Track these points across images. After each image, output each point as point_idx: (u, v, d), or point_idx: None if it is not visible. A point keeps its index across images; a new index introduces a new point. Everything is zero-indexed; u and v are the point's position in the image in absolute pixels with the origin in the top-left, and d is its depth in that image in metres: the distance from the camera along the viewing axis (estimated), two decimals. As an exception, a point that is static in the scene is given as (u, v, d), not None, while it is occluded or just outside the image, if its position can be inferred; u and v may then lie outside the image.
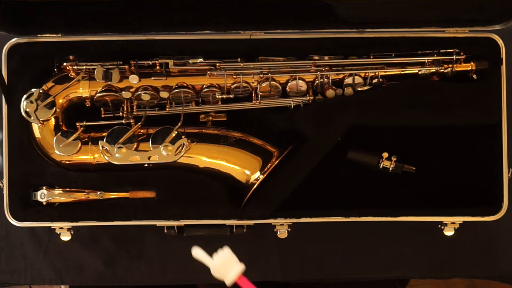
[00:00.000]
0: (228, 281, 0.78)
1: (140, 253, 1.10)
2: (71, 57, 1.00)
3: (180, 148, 0.99)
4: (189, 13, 1.00)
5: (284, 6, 0.99)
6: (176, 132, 0.99)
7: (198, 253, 0.79)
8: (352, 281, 1.14)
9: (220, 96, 1.02)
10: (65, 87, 1.00)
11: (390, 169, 1.06)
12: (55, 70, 1.01)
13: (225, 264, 0.78)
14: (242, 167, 1.01)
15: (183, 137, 0.99)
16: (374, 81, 1.03)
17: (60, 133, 1.00)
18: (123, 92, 1.00)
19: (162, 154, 0.98)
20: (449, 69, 1.03)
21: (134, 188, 1.03)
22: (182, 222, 1.02)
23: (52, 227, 1.04)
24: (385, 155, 1.06)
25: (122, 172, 1.02)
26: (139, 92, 1.00)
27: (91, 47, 1.01)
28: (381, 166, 1.07)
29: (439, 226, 1.07)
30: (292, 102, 1.03)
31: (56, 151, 1.00)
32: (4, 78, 0.99)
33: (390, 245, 1.12)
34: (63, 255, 1.10)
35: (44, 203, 1.01)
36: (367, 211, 1.03)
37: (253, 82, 1.02)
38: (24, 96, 0.98)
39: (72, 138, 0.99)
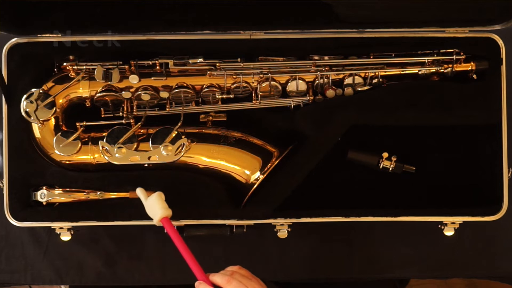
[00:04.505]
0: (155, 221, 0.90)
1: (140, 253, 1.10)
2: (71, 57, 1.00)
3: (180, 148, 0.99)
4: (189, 13, 1.00)
5: (284, 6, 0.99)
6: (176, 132, 0.99)
7: (139, 192, 0.92)
8: (352, 281, 1.14)
9: (220, 96, 1.02)
10: (65, 87, 1.00)
11: (390, 169, 1.06)
12: (55, 70, 1.01)
13: (155, 206, 0.90)
14: (242, 167, 1.01)
15: (183, 137, 0.99)
16: (374, 81, 1.03)
17: (60, 133, 1.00)
18: (123, 92, 1.00)
19: (162, 154, 0.98)
20: (449, 69, 1.03)
21: (134, 188, 1.03)
22: (182, 222, 1.02)
23: (52, 227, 1.04)
24: (385, 155, 1.06)
25: (122, 172, 1.02)
26: (139, 92, 1.00)
27: (91, 47, 1.01)
28: (381, 166, 1.07)
29: (439, 226, 1.07)
30: (292, 102, 1.03)
31: (56, 151, 1.00)
32: (4, 78, 0.99)
33: (390, 245, 1.11)
34: (63, 255, 1.10)
35: (44, 203, 1.01)
36: (367, 211, 1.03)
37: (253, 82, 1.02)
38: (24, 96, 0.98)
39: (72, 138, 0.99)
